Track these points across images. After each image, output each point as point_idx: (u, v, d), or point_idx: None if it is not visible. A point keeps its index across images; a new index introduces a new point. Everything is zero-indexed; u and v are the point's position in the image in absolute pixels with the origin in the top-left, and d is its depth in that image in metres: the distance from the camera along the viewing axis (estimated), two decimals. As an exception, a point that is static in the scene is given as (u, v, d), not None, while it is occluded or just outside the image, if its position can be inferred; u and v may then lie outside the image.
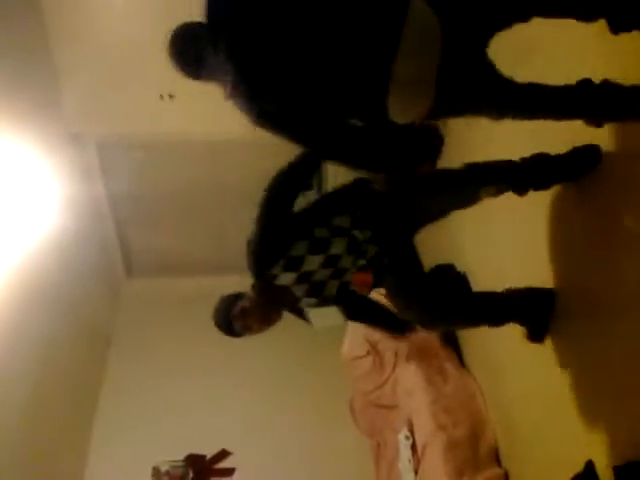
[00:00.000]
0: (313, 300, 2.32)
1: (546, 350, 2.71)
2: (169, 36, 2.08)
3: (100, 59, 4.42)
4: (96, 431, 4.62)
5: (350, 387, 4.24)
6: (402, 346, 3.75)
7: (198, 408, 4.56)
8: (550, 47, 2.51)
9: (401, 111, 1.86)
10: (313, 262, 2.22)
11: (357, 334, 4.00)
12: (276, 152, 4.97)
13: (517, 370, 3.07)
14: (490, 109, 1.95)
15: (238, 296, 2.25)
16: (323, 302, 2.35)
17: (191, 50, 2.03)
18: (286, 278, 2.22)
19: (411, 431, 3.47)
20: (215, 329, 2.24)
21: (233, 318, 2.19)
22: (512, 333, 3.02)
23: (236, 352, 4.85)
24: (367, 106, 1.88)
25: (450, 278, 3.60)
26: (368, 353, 3.90)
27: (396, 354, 3.79)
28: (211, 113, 4.66)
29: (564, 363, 2.55)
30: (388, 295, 2.48)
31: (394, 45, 1.70)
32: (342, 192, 2.41)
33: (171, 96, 4.59)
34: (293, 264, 2.21)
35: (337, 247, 2.24)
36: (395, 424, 3.69)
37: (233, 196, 5.07)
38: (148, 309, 5.22)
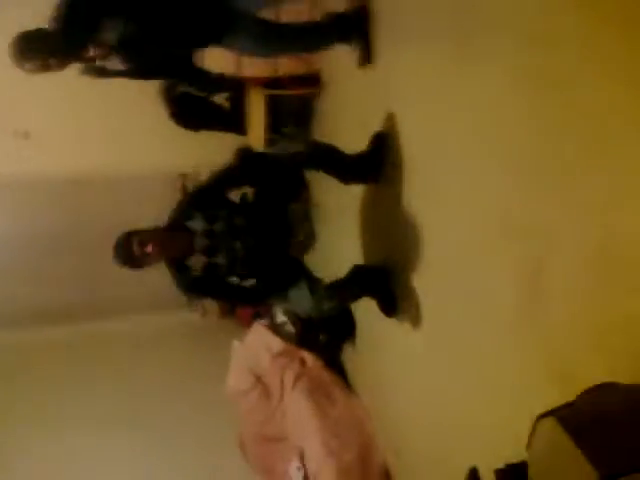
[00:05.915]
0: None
1: (425, 362, 2.81)
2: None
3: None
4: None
5: (238, 423, 4.13)
6: (288, 375, 3.72)
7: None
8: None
9: None
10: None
11: (241, 367, 3.92)
12: (139, 189, 4.84)
13: (400, 387, 3.15)
14: None
15: (136, 232, 2.61)
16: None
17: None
18: (198, 225, 2.72)
19: (302, 461, 3.43)
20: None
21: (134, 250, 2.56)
22: (394, 351, 3.11)
23: (108, 390, 4.67)
24: None
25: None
26: (254, 386, 3.83)
27: (282, 384, 3.75)
28: (68, 151, 4.50)
29: (444, 374, 2.65)
30: None
31: None
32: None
33: (26, 135, 4.36)
34: (211, 218, 2.73)
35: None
36: (286, 456, 3.63)
37: (98, 236, 4.84)
38: (19, 360, 4.81)
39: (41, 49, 2.50)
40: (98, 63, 2.71)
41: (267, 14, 3.01)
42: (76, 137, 4.45)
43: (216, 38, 2.84)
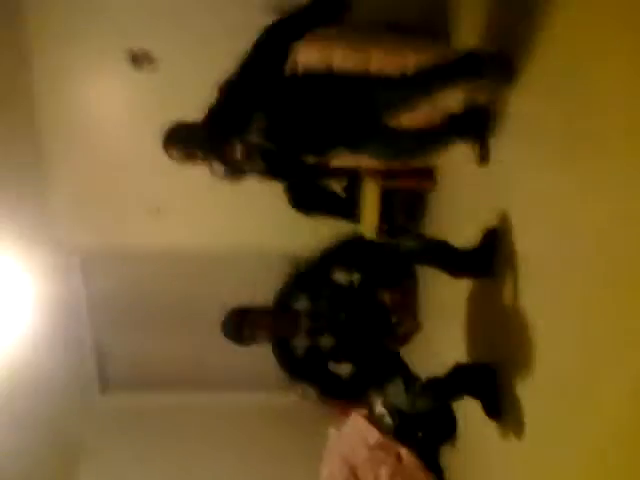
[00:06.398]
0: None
1: (525, 471, 2.63)
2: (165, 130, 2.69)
3: (90, 170, 4.54)
4: None
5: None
6: (383, 471, 3.59)
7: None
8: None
9: None
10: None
11: (336, 457, 3.83)
12: (259, 267, 4.98)
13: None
14: None
15: (246, 310, 2.69)
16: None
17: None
18: (303, 306, 2.74)
19: None
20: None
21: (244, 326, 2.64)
22: (493, 457, 2.93)
23: (209, 465, 4.71)
24: None
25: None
26: (347, 478, 3.72)
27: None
28: (197, 227, 4.78)
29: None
30: None
31: None
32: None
33: (158, 210, 4.68)
34: (315, 298, 2.75)
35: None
36: None
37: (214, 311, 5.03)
38: (122, 423, 5.09)
39: (189, 141, 2.69)
40: (238, 164, 2.71)
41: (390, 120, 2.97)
42: (197, 213, 4.73)
43: (350, 144, 2.87)
